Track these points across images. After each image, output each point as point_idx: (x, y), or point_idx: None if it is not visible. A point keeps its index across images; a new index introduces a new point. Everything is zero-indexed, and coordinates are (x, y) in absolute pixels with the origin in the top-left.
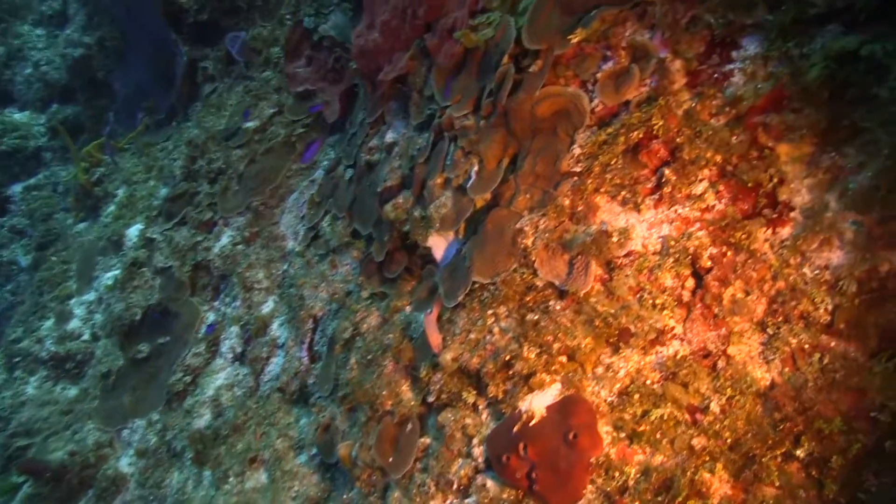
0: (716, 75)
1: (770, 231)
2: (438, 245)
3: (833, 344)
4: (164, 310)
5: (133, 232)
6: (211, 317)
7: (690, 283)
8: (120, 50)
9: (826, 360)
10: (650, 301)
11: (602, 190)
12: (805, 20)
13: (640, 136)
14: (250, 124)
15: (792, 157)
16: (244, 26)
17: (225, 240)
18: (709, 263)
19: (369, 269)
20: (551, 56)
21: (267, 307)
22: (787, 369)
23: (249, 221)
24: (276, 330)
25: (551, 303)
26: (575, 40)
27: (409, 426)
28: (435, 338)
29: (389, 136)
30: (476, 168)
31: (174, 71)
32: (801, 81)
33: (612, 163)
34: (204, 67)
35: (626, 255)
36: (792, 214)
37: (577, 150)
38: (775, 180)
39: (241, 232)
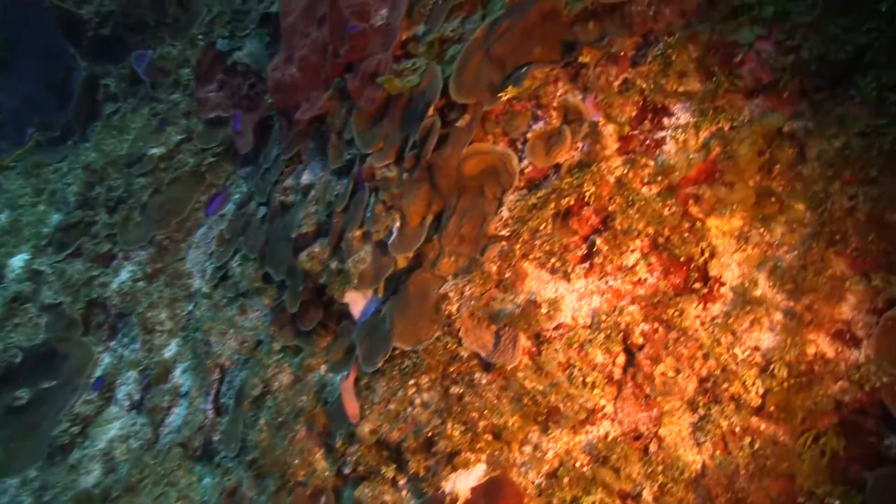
0: (647, 142)
1: (701, 307)
2: (356, 302)
3: (763, 427)
4: (51, 350)
5: (16, 262)
6: (106, 359)
7: (621, 359)
8: (3, 59)
9: (757, 445)
10: (580, 378)
11: (531, 256)
12: (734, 91)
13: (572, 202)
14: (156, 150)
15: (722, 230)
16: (152, 44)
17: (124, 275)
18: (640, 340)
19: (281, 318)
20: (479, 111)
21: (169, 351)
22: (718, 452)
23: (152, 256)
24: (179, 377)
25: (477, 375)
26: (505, 98)
27: (323, 499)
28: (352, 406)
29: (305, 178)
30: (398, 224)
31: (70, 86)
32: (732, 155)
33: (542, 228)
34: (105, 85)
35: (556, 328)
36: (723, 290)
37: (505, 213)
38: (706, 254)
39: (143, 267)
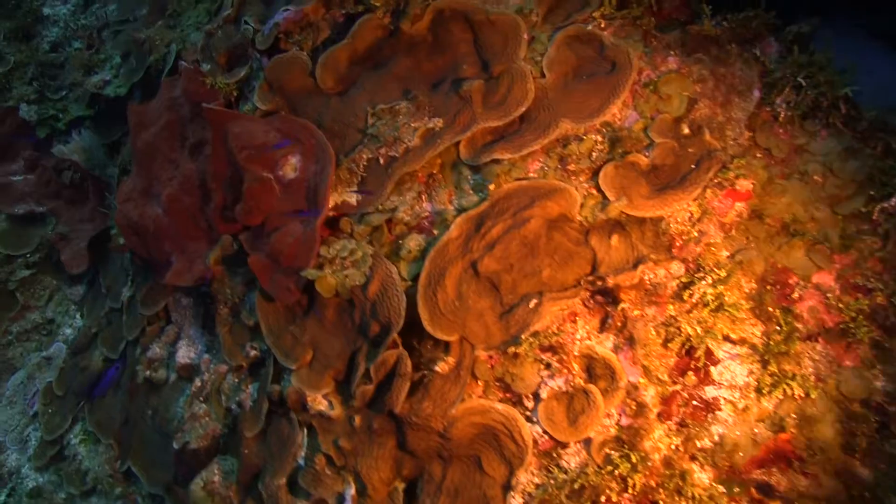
0: (695, 401)
1: None
2: None
3: None
4: None
5: None
6: None
7: None
8: None
9: None
10: None
11: None
12: (795, 338)
13: (613, 497)
14: None
15: None
16: None
17: None
18: None
19: None
20: (470, 354)
21: None
22: None
23: None
24: None
25: None
26: (515, 351)
27: None
28: None
29: (183, 353)
30: (352, 491)
31: None
32: (809, 434)
33: None
34: None
35: None
36: None
37: (516, 501)
38: None
39: None
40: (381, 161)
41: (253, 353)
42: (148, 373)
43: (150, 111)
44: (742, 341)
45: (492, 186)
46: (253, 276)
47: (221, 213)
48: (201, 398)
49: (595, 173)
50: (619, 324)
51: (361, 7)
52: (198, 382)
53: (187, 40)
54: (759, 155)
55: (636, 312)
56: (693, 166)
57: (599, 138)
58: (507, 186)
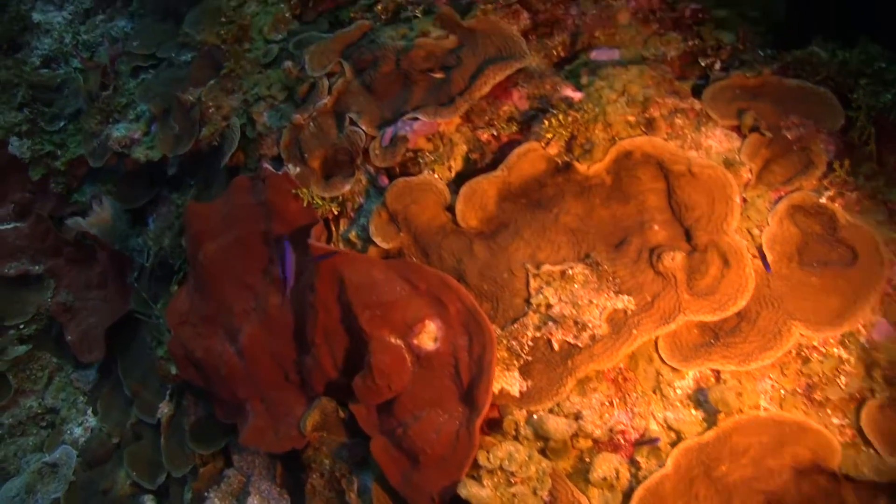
0: None
1: None
2: None
3: None
4: None
5: None
6: None
7: None
8: None
9: None
10: None
11: None
12: None
13: None
14: None
15: None
16: None
17: None
18: None
19: None
20: None
21: None
22: None
23: None
24: None
25: None
26: None
27: None
28: None
29: None
30: None
31: None
32: None
33: None
34: None
35: None
36: None
37: None
38: None
39: None
40: (555, 345)
41: None
42: None
43: (214, 215)
44: None
45: (714, 405)
46: (365, 453)
47: (326, 375)
48: None
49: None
50: None
51: (515, 127)
52: None
53: (257, 118)
54: None
55: None
56: None
57: (845, 354)
58: (741, 419)
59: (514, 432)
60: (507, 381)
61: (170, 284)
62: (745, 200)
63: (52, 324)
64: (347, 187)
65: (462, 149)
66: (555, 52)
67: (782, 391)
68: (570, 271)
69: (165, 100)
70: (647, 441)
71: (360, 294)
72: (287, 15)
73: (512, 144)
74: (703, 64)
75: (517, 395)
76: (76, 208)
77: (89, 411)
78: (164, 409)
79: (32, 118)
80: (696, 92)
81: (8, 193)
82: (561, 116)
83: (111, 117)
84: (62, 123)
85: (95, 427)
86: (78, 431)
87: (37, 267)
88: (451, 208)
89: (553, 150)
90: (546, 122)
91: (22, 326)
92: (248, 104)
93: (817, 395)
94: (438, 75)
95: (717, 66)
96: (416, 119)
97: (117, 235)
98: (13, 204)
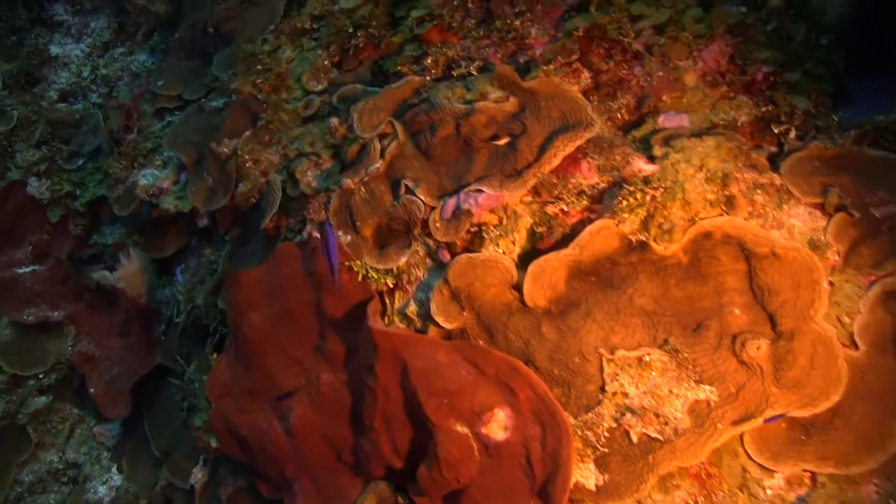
0: None
1: None
2: None
3: None
4: None
5: None
6: None
7: None
8: None
9: None
10: None
11: None
12: None
13: None
14: None
15: None
16: None
17: None
18: None
19: None
20: None
21: None
22: None
23: None
24: None
25: None
26: None
27: None
28: None
29: None
30: None
31: None
32: None
33: None
34: None
35: None
36: None
37: None
38: None
39: None
40: (634, 438)
41: None
42: None
43: (259, 284)
44: None
45: None
46: None
47: (384, 461)
48: None
49: None
50: None
51: (585, 202)
52: None
53: (300, 178)
54: None
55: None
56: None
57: None
58: None
59: None
60: (583, 474)
61: (204, 346)
62: (832, 285)
63: (73, 374)
64: (404, 259)
65: (527, 222)
66: (619, 116)
67: (891, 501)
68: (648, 357)
69: (197, 149)
70: None
71: (424, 380)
72: (326, 63)
73: (583, 222)
74: (776, 131)
75: (593, 488)
76: (96, 250)
77: (114, 468)
78: (198, 474)
79: (51, 156)
80: (772, 162)
81: (26, 235)
82: (639, 195)
83: (136, 162)
84: (81, 162)
85: (121, 487)
86: (102, 490)
87: (56, 313)
88: (517, 286)
89: (627, 227)
90: (622, 201)
91: (42, 376)
92: (287, 159)
93: None
94: (502, 142)
95: (792, 133)
96: (481, 191)
97: (144, 289)
98: (31, 246)
